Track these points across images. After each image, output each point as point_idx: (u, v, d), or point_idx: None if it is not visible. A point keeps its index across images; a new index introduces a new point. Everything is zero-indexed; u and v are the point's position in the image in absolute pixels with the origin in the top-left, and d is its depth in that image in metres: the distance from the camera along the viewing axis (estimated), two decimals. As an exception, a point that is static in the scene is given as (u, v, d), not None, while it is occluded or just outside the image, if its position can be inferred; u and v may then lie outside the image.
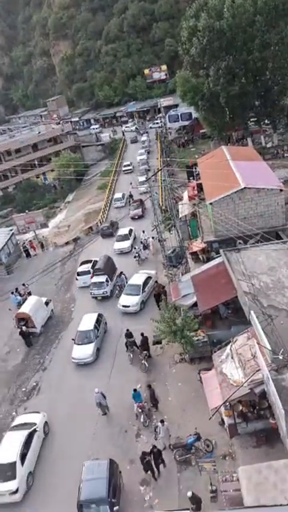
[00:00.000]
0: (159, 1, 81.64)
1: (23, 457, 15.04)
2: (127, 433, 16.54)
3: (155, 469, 14.31)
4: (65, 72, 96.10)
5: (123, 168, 54.89)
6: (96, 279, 26.60)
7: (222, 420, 15.04)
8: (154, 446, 14.42)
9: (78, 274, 28.77)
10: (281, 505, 9.55)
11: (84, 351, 20.87)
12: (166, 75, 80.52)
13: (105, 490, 12.88)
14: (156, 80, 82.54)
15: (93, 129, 77.12)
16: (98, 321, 22.35)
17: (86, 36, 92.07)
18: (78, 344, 21.28)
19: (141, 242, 31.19)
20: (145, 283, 25.12)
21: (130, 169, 53.95)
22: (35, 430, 16.25)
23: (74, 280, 29.36)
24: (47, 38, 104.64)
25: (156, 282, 25.31)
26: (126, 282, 26.02)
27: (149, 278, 25.72)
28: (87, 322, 22.24)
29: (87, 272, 28.24)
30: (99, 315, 22.86)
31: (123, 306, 24.33)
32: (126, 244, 32.71)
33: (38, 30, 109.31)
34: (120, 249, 32.48)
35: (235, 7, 36.56)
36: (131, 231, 34.32)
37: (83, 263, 30.23)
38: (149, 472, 14.25)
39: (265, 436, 13.81)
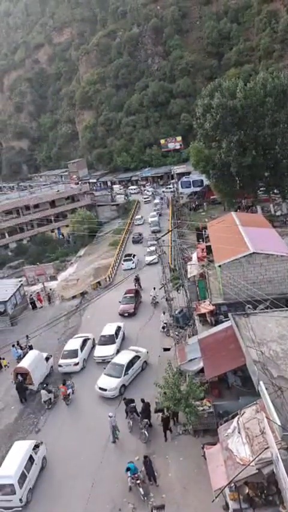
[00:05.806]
0: (177, 81, 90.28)
1: (81, 348, 25.22)
2: (120, 512, 14.99)
3: None
4: (87, 138, 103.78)
5: (143, 199, 72.80)
6: None
7: (227, 504, 13.55)
8: None
9: (124, 260, 41.43)
10: None
11: None
12: (180, 145, 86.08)
13: None
14: (171, 150, 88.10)
15: (132, 189, 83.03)
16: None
17: (108, 108, 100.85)
18: None
19: (151, 301, 30.25)
20: (131, 362, 21.96)
21: (149, 199, 71.32)
22: (88, 338, 26.63)
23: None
24: (73, 108, 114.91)
25: (162, 412, 17.80)
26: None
27: (136, 357, 22.48)
28: None
29: (130, 259, 40.86)
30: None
31: (100, 389, 21.34)
32: (110, 351, 24.47)
33: (66, 101, 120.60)
34: (102, 358, 24.41)
35: (247, 89, 40.36)
36: (118, 329, 26.32)
37: (126, 255, 42.85)
38: None
39: (275, 528, 12.32)
